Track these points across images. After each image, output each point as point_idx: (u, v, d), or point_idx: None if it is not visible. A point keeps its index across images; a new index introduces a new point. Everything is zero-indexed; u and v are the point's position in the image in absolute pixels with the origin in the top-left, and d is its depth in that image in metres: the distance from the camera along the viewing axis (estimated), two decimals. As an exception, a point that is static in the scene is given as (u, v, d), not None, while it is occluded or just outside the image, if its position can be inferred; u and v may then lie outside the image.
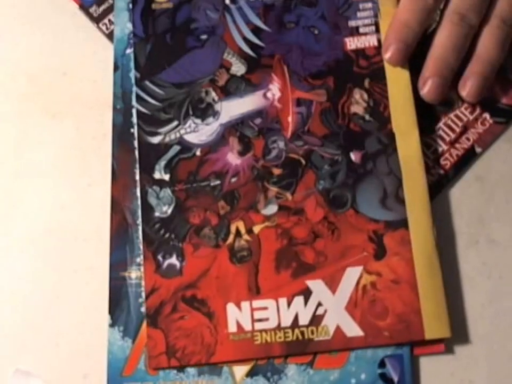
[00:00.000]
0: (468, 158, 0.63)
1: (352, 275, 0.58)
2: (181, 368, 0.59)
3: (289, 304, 0.58)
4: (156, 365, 0.58)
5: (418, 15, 0.61)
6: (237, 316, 0.58)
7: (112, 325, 0.60)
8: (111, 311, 0.60)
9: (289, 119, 0.61)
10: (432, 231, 0.58)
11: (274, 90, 0.62)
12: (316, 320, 0.58)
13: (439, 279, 0.57)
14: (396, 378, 0.57)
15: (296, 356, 0.58)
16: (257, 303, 0.58)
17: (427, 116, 0.63)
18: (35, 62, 0.67)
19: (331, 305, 0.58)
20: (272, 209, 0.60)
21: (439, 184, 0.62)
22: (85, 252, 0.63)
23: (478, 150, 0.63)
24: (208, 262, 0.59)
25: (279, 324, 0.58)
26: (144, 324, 0.59)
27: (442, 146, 0.63)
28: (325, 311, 0.58)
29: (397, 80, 0.61)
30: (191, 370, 0.58)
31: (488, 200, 0.63)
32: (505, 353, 0.59)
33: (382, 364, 0.58)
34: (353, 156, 0.60)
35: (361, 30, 0.64)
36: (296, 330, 0.58)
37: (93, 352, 0.61)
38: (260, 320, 0.58)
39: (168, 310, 0.59)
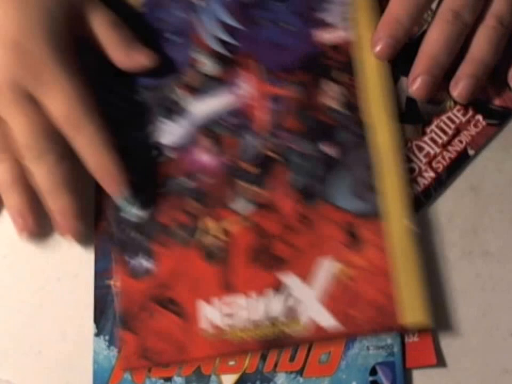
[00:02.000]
0: (460, 161, 0.61)
1: (325, 266, 0.57)
2: (163, 377, 0.58)
3: (261, 298, 0.57)
4: (126, 365, 0.57)
5: (410, 11, 0.60)
6: (209, 312, 0.57)
7: (97, 334, 0.59)
8: (96, 320, 0.59)
9: (262, 115, 0.60)
10: (407, 220, 0.56)
11: (246, 87, 0.61)
12: (289, 313, 0.56)
13: (415, 267, 0.55)
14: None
15: (269, 349, 0.57)
16: (228, 298, 0.57)
17: (418, 118, 0.62)
18: None
19: (304, 297, 0.57)
20: (243, 204, 0.59)
21: (432, 188, 0.60)
22: (69, 259, 0.62)
23: (471, 152, 0.61)
24: (178, 260, 0.58)
25: (252, 319, 0.56)
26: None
27: (435, 149, 0.62)
28: (299, 304, 0.57)
29: (369, 71, 0.60)
30: (178, 380, 0.57)
31: (482, 210, 0.60)
32: (498, 367, 0.57)
33: (373, 372, 0.56)
34: (327, 149, 0.59)
35: (332, 23, 0.63)
36: (270, 324, 0.56)
37: (77, 362, 0.59)
38: (232, 315, 0.57)
39: (139, 311, 0.58)
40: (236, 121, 0.60)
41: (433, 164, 0.61)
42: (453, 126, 0.62)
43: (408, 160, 0.61)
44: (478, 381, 0.57)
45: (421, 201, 0.60)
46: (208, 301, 0.57)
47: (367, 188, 0.57)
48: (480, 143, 0.62)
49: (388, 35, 0.60)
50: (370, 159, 0.58)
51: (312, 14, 0.64)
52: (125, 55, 0.60)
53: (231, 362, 0.57)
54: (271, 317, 0.56)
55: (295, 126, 0.60)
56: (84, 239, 0.61)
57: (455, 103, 0.62)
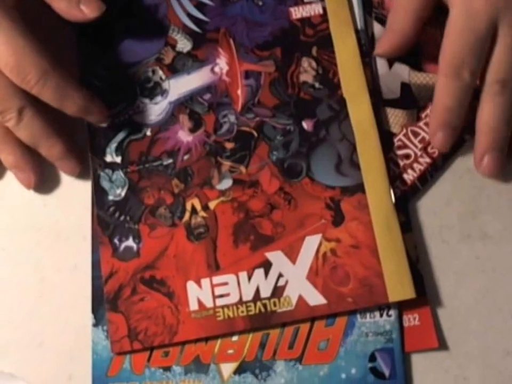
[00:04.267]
0: (456, 146, 0.61)
1: (311, 244, 0.58)
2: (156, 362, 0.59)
3: (249, 277, 0.58)
4: (119, 349, 0.57)
5: (457, 96, 0.58)
6: (198, 293, 0.58)
7: (95, 325, 0.59)
8: (94, 310, 0.59)
9: (239, 92, 0.60)
10: (389, 193, 0.57)
11: (222, 64, 0.61)
12: (277, 291, 0.57)
13: (399, 241, 0.56)
14: (387, 372, 0.56)
15: (259, 329, 0.58)
16: (217, 279, 0.58)
17: (413, 103, 0.62)
18: None
19: (292, 275, 0.57)
20: (226, 183, 0.60)
21: (428, 173, 0.61)
22: (68, 250, 0.62)
23: (466, 137, 0.61)
24: (165, 241, 0.58)
25: (240, 298, 0.57)
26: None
27: None
28: (286, 282, 0.57)
29: (345, 47, 0.61)
30: (178, 369, 0.58)
31: (479, 193, 0.61)
32: (500, 349, 0.58)
33: (372, 358, 0.57)
34: (305, 125, 0.59)
35: (306, -1, 0.62)
36: (259, 303, 0.57)
37: (77, 352, 0.59)
38: (221, 296, 0.58)
39: (127, 293, 0.58)
40: (213, 98, 0.60)
41: (429, 149, 0.61)
42: None
43: (404, 146, 0.61)
44: (479, 364, 0.58)
45: (417, 186, 0.61)
46: (197, 282, 0.58)
47: (348, 163, 0.58)
48: (475, 128, 0.61)
49: (443, 126, 0.59)
50: (350, 134, 0.58)
51: (285, -11, 0.62)
52: (70, 7, 0.58)
53: (230, 351, 0.58)
54: (260, 296, 0.57)
55: (271, 102, 0.60)
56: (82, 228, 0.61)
57: None
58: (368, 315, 0.57)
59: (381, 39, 0.60)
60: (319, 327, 0.57)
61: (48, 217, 0.62)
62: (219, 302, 0.57)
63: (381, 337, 0.56)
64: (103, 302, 0.58)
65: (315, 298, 0.57)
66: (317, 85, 0.60)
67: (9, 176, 0.62)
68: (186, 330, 0.57)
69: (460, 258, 0.59)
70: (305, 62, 0.60)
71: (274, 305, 0.57)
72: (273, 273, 0.58)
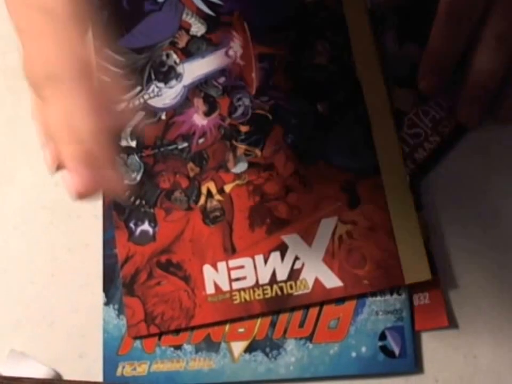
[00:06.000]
0: (461, 132, 0.60)
1: (327, 226, 0.57)
2: (163, 338, 0.59)
3: (266, 260, 0.57)
4: (135, 334, 0.57)
5: (452, 44, 0.57)
6: (214, 277, 0.58)
7: (106, 303, 0.60)
8: (105, 289, 0.60)
9: (253, 75, 0.60)
10: (404, 175, 0.57)
11: (236, 47, 0.61)
12: (294, 274, 0.57)
13: (414, 223, 0.56)
14: (397, 351, 0.56)
15: (276, 312, 0.57)
16: (233, 262, 0.58)
17: None
18: None
19: (308, 258, 0.57)
20: (242, 167, 0.59)
21: (439, 151, 0.60)
22: (80, 229, 0.62)
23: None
24: (181, 225, 0.58)
25: (257, 282, 0.57)
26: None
27: (440, 113, 0.61)
28: (303, 265, 0.57)
29: (358, 29, 0.60)
30: (188, 348, 0.58)
31: (490, 171, 0.60)
32: (510, 327, 0.57)
33: (382, 336, 0.57)
34: (320, 107, 0.59)
35: (319, -20, 0.62)
36: (275, 286, 0.57)
37: (88, 331, 0.60)
38: (237, 279, 0.58)
39: (144, 277, 0.58)
40: (227, 82, 0.60)
41: (439, 128, 0.60)
42: (458, 89, 0.60)
43: (414, 125, 0.60)
44: (489, 342, 0.58)
45: (428, 165, 0.60)
46: (213, 265, 0.58)
47: (363, 145, 0.58)
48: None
49: (433, 72, 0.59)
50: (364, 116, 0.58)
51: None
52: None
53: (241, 329, 0.58)
54: (277, 279, 0.57)
55: (286, 85, 0.60)
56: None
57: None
58: (378, 294, 0.57)
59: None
60: (329, 306, 0.57)
61: (60, 196, 0.62)
62: (235, 285, 0.57)
63: (391, 315, 0.57)
64: (115, 280, 0.59)
65: (331, 280, 0.57)
66: (331, 67, 0.60)
67: (21, 157, 0.63)
68: (203, 314, 0.57)
69: (471, 237, 0.59)
70: (319, 45, 0.60)
71: (291, 288, 0.57)
72: (289, 256, 0.58)
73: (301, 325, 0.57)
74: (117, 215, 0.58)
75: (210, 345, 0.58)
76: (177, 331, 0.58)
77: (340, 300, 0.57)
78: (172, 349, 0.58)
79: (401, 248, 0.56)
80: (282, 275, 0.58)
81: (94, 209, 0.61)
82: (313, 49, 0.60)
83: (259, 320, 0.58)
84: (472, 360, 0.57)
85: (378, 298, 0.57)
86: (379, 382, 0.57)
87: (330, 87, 0.59)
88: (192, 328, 0.58)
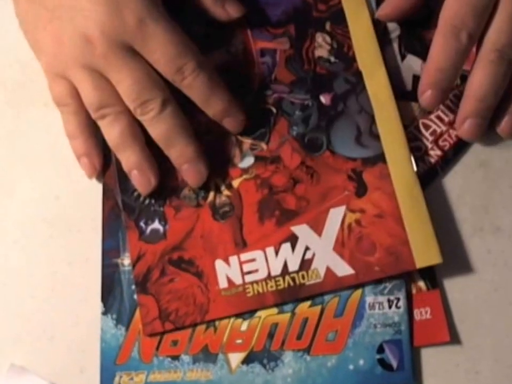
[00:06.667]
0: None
1: (336, 215, 0.58)
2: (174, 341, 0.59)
3: (277, 252, 0.58)
4: (150, 331, 0.58)
5: (452, 58, 0.57)
6: (227, 271, 0.58)
7: (104, 313, 0.60)
8: (104, 299, 0.60)
9: (255, 70, 0.61)
10: (410, 161, 0.57)
11: (237, 44, 0.61)
12: (305, 264, 0.57)
13: (422, 207, 0.57)
14: (394, 364, 0.56)
15: (289, 302, 0.58)
16: (245, 256, 0.58)
17: None
18: (27, 50, 0.62)
19: (319, 248, 0.58)
20: (248, 161, 0.60)
21: (439, 166, 0.61)
22: (80, 243, 0.62)
23: None
24: (191, 222, 0.59)
25: (269, 274, 0.57)
26: (138, 312, 0.59)
27: (441, 127, 0.62)
28: (313, 255, 0.58)
29: (358, 20, 0.61)
30: (186, 358, 0.58)
31: (492, 186, 0.61)
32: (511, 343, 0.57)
33: (380, 349, 0.57)
34: (323, 99, 0.60)
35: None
36: (287, 277, 0.57)
37: (89, 346, 0.60)
38: (249, 272, 0.58)
39: (156, 275, 0.59)
40: (229, 78, 0.60)
41: (440, 142, 0.61)
42: (459, 103, 0.61)
43: (415, 138, 0.61)
44: (491, 358, 0.58)
45: (428, 178, 0.60)
46: (225, 260, 0.58)
47: (368, 134, 0.59)
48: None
49: (433, 86, 0.58)
50: (368, 106, 0.59)
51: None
52: (221, 7, 0.61)
53: (239, 341, 0.58)
54: (288, 270, 0.58)
55: (288, 78, 0.61)
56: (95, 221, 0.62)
57: (462, 80, 0.61)
58: (377, 306, 0.57)
59: (384, 2, 0.60)
60: (327, 318, 0.57)
61: (60, 210, 0.62)
62: (248, 278, 0.58)
63: (389, 328, 0.57)
64: (113, 290, 0.59)
65: (343, 269, 0.57)
66: (332, 59, 0.60)
67: (21, 170, 0.63)
68: (217, 308, 0.58)
69: (472, 252, 0.59)
70: (320, 37, 0.61)
71: (303, 278, 0.57)
72: (300, 247, 0.58)
73: (299, 337, 0.57)
74: (127, 215, 0.59)
75: (207, 356, 0.58)
76: (174, 341, 0.59)
77: (338, 312, 0.58)
78: (170, 359, 0.58)
79: (411, 233, 0.56)
80: (293, 266, 0.58)
81: (94, 223, 0.61)
82: (314, 42, 0.60)
83: (257, 332, 0.58)
84: (474, 376, 0.57)
85: (377, 311, 0.57)
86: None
87: (332, 78, 0.59)
88: (207, 322, 0.58)
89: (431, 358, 0.57)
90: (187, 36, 0.57)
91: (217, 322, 0.58)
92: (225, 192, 0.59)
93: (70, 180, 0.63)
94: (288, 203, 0.58)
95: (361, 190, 0.58)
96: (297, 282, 0.57)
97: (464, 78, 0.59)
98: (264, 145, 0.60)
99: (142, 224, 0.59)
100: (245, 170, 0.59)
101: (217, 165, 0.60)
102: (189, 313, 0.58)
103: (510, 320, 0.58)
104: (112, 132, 0.58)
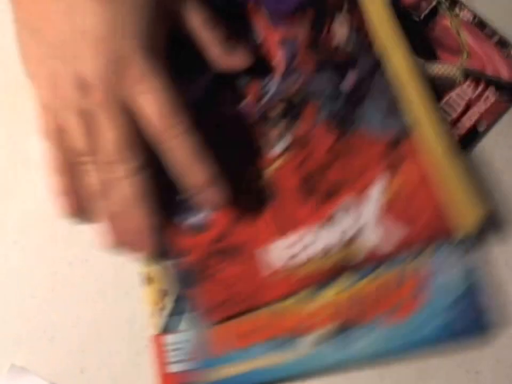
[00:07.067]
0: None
1: (375, 190, 0.59)
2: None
3: (320, 232, 0.59)
4: (208, 322, 0.58)
5: None
6: (272, 255, 0.59)
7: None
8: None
9: (277, 59, 0.62)
10: (440, 123, 0.59)
11: (256, 34, 0.62)
12: (351, 239, 0.58)
13: (459, 169, 0.58)
14: (467, 324, 0.58)
15: (339, 277, 0.59)
16: (289, 239, 0.59)
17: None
18: None
19: (363, 222, 0.59)
20: (281, 147, 0.61)
21: (478, 128, 0.62)
22: (80, 244, 0.62)
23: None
24: (232, 211, 0.59)
25: (315, 253, 0.59)
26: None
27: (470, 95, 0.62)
28: (359, 229, 0.59)
29: (373, 2, 0.62)
30: (256, 347, 0.59)
31: (496, 185, 0.62)
32: None
33: (453, 305, 0.58)
34: (347, 81, 0.60)
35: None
36: (334, 254, 0.59)
37: (89, 346, 0.60)
38: (296, 254, 0.59)
39: (203, 267, 0.59)
40: (252, 69, 0.61)
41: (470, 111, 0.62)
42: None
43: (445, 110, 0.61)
44: (493, 358, 0.59)
45: (468, 142, 0.62)
46: (270, 244, 0.59)
47: (396, 110, 0.59)
48: (491, 119, 0.62)
49: None
50: (392, 83, 0.60)
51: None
52: (224, 54, 0.60)
53: (308, 322, 0.59)
54: (334, 247, 0.59)
55: (310, 65, 0.61)
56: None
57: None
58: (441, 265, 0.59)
59: None
60: (390, 286, 0.59)
61: (60, 210, 0.61)
62: (296, 260, 0.59)
63: (459, 283, 0.58)
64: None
65: (389, 240, 0.58)
66: (351, 42, 0.61)
67: (21, 170, 0.64)
68: (269, 292, 0.58)
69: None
70: (337, 22, 0.62)
71: (349, 253, 0.58)
72: (344, 223, 0.59)
73: (370, 308, 0.59)
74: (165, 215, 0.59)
75: (278, 342, 0.58)
76: (244, 332, 0.59)
77: (399, 281, 0.59)
78: (240, 350, 0.58)
79: (452, 195, 0.58)
80: (338, 241, 0.59)
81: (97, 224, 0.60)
82: (332, 27, 0.61)
83: (327, 310, 0.58)
84: (474, 375, 0.58)
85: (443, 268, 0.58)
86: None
87: (354, 61, 0.60)
88: (273, 309, 0.59)
89: (431, 358, 0.58)
90: (182, 97, 0.56)
91: (282, 307, 0.59)
92: (263, 179, 0.60)
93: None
94: (325, 184, 0.60)
95: (396, 163, 0.59)
96: (344, 258, 0.58)
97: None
98: (294, 131, 0.61)
99: (183, 219, 0.59)
100: (278, 157, 0.60)
101: (251, 154, 0.61)
102: (240, 300, 0.59)
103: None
104: (84, 181, 0.57)
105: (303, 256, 0.59)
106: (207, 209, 0.59)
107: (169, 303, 0.61)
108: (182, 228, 0.60)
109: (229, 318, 0.59)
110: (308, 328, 0.58)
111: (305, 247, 0.59)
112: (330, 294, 0.59)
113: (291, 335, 0.58)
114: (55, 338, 0.60)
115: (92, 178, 0.56)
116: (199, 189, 0.56)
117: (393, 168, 0.59)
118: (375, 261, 0.58)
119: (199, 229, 0.60)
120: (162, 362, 0.60)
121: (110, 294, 0.62)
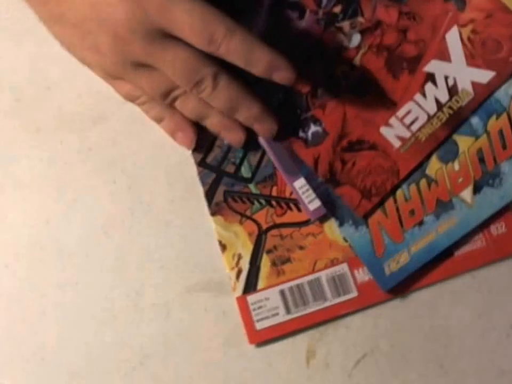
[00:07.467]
0: None
1: (453, 37, 0.63)
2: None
3: (424, 95, 0.63)
4: (363, 212, 0.63)
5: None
6: (394, 132, 0.63)
7: (341, 225, 0.64)
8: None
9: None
10: None
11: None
12: (453, 91, 0.63)
13: None
14: None
15: (458, 126, 0.63)
16: (400, 112, 0.63)
17: None
18: (19, 76, 0.64)
19: (455, 71, 0.63)
20: (356, 39, 0.65)
21: None
22: (70, 267, 0.63)
23: None
24: (340, 111, 0.64)
25: (428, 115, 0.63)
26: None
27: None
28: (454, 79, 0.63)
29: None
30: (429, 218, 0.63)
31: None
32: (494, 368, 0.62)
33: None
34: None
35: None
36: (445, 109, 0.63)
37: (79, 370, 0.62)
38: (412, 123, 0.63)
39: (339, 166, 0.63)
40: None
41: None
42: None
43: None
44: (474, 382, 0.62)
45: None
46: (386, 124, 0.63)
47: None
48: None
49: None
50: None
51: None
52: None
53: (460, 180, 0.63)
54: (442, 103, 0.63)
55: None
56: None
57: None
58: None
59: None
60: None
61: (51, 234, 0.63)
62: (413, 127, 0.63)
63: None
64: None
65: (485, 76, 0.63)
66: None
67: (12, 195, 0.64)
68: (404, 163, 0.63)
69: (456, 278, 0.63)
70: None
71: (457, 101, 0.63)
72: (440, 80, 0.63)
73: (504, 147, 0.63)
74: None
75: (444, 206, 0.63)
76: (411, 211, 0.63)
77: None
78: (417, 227, 0.63)
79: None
80: (444, 97, 0.63)
81: (87, 247, 0.63)
82: None
83: (469, 164, 0.63)
84: None
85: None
86: None
87: None
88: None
89: (415, 382, 0.61)
90: (210, 4, 0.56)
91: (434, 176, 0.63)
92: (354, 71, 0.64)
93: (60, 205, 0.64)
94: (409, 51, 0.64)
95: (460, 4, 0.63)
96: (455, 107, 0.63)
97: None
98: (360, 19, 0.64)
99: (301, 134, 0.63)
100: (358, 48, 0.64)
101: (331, 56, 0.65)
102: (384, 181, 0.63)
103: (493, 345, 0.62)
104: (188, 107, 0.61)
105: (419, 122, 0.63)
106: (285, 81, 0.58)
107: (244, 266, 0.64)
108: (305, 140, 0.64)
109: (379, 205, 0.63)
110: (462, 184, 0.64)
111: (417, 113, 0.63)
112: (469, 145, 0.63)
113: (451, 196, 0.63)
114: (44, 360, 0.62)
115: (190, 103, 0.61)
116: (269, 72, 0.58)
117: (459, 11, 0.63)
118: (482, 97, 0.63)
119: (321, 136, 0.64)
120: (249, 321, 0.64)
121: (100, 317, 0.63)
